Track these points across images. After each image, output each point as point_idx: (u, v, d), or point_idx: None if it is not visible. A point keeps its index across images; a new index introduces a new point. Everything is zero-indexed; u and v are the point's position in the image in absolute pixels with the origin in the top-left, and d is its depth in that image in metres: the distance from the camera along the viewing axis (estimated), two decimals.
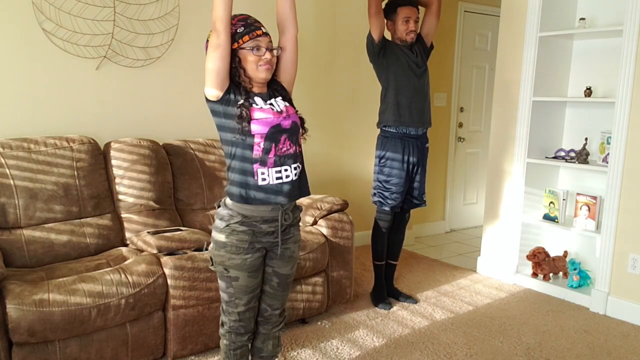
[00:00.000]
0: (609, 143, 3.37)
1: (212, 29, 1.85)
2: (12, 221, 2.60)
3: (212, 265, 2.00)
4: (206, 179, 3.20)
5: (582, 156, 3.47)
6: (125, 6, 3.17)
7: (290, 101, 2.04)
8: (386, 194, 3.25)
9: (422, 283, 3.80)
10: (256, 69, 1.91)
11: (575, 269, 3.58)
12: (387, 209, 3.27)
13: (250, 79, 1.93)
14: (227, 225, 1.92)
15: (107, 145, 3.00)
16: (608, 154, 3.34)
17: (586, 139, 3.53)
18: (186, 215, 3.11)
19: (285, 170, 1.91)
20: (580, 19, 3.53)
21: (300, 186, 1.98)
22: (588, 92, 3.49)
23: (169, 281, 2.46)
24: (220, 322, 2.11)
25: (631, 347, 2.89)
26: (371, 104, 4.45)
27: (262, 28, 1.94)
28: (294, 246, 2.06)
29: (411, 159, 3.24)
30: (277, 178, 1.90)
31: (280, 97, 2.00)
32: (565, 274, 3.70)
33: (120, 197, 2.93)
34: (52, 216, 2.69)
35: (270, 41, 1.95)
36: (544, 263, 3.70)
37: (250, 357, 2.20)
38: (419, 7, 3.26)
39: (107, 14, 3.12)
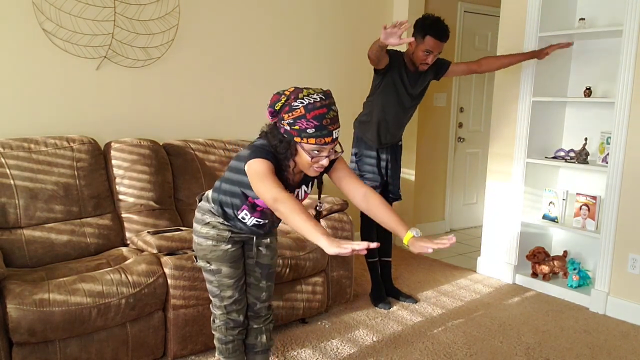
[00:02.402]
0: (608, 143, 3.38)
1: (278, 191, 1.68)
2: (13, 221, 2.60)
3: (196, 260, 2.11)
4: (206, 179, 3.20)
5: (581, 156, 3.47)
6: (125, 6, 3.17)
7: (311, 185, 1.99)
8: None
9: (422, 283, 3.80)
10: (307, 168, 1.82)
11: (575, 269, 3.58)
12: None
13: (296, 164, 1.83)
14: (207, 223, 2.03)
15: (108, 145, 3.00)
16: (608, 154, 3.34)
17: (586, 139, 3.53)
18: (186, 215, 3.11)
19: (265, 221, 2.01)
20: (580, 19, 3.53)
21: (274, 222, 2.07)
22: (588, 92, 3.49)
23: (169, 281, 2.47)
24: (211, 320, 2.19)
25: (631, 347, 2.89)
26: None
27: (333, 132, 1.74)
28: (272, 238, 2.16)
29: (383, 155, 3.31)
30: (255, 224, 2.00)
31: (306, 185, 1.95)
32: (565, 274, 3.70)
33: (121, 197, 2.93)
34: (53, 216, 2.69)
35: (334, 146, 1.78)
36: (543, 263, 3.71)
37: (245, 357, 2.25)
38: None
39: (108, 14, 3.12)
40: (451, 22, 5.01)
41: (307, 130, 1.71)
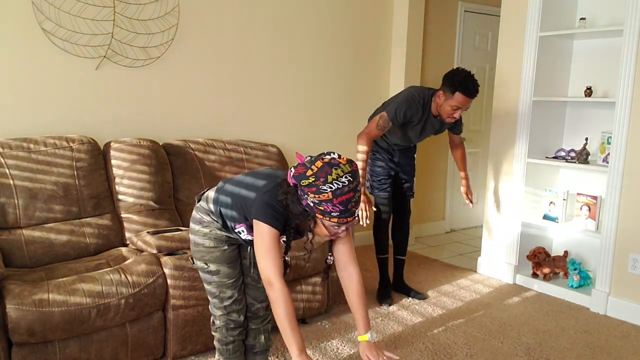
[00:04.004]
0: (609, 143, 3.37)
1: (276, 275, 1.77)
2: (12, 221, 2.59)
3: (193, 263, 2.11)
4: (206, 178, 3.20)
5: (582, 156, 3.47)
6: (125, 6, 3.16)
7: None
8: (374, 183, 3.37)
9: (422, 283, 3.80)
10: (322, 236, 1.86)
11: (575, 269, 3.58)
12: (381, 195, 3.35)
13: (313, 234, 1.89)
14: (205, 224, 2.04)
15: (107, 145, 3.00)
16: (608, 153, 3.34)
17: (586, 138, 3.52)
18: (186, 215, 3.11)
19: None
20: (581, 18, 3.52)
21: None
22: (588, 92, 3.49)
23: (168, 281, 2.46)
24: (211, 321, 2.19)
25: (631, 348, 2.88)
26: (371, 104, 4.45)
27: (356, 213, 1.78)
28: None
29: (395, 159, 3.38)
30: (250, 239, 1.97)
31: (311, 232, 1.95)
32: (566, 274, 3.69)
33: (120, 197, 2.93)
34: (52, 216, 2.69)
35: (353, 220, 1.82)
36: (544, 263, 3.70)
37: (244, 358, 2.26)
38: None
39: (107, 13, 3.12)
40: (451, 22, 5.03)
41: (332, 213, 1.72)
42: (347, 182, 1.68)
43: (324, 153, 1.76)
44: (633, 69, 3.12)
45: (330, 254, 2.00)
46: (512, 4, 3.76)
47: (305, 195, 1.73)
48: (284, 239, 1.86)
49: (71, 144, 2.83)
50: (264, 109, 3.89)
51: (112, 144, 2.99)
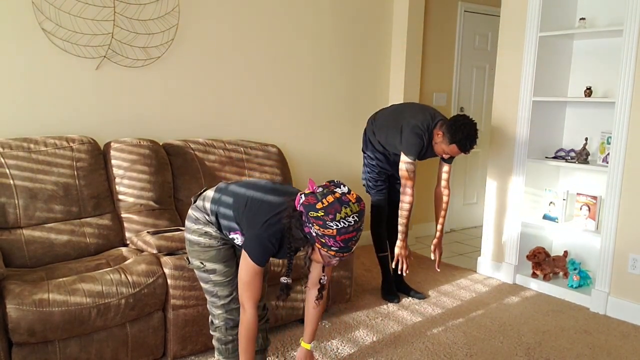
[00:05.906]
0: (609, 143, 3.37)
1: (251, 304, 1.93)
2: (12, 221, 2.60)
3: (189, 263, 2.13)
4: (206, 179, 3.20)
5: (582, 156, 3.47)
6: (125, 6, 3.17)
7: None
8: (370, 183, 3.46)
9: (422, 283, 3.80)
10: (317, 262, 1.93)
11: (575, 269, 3.58)
12: (378, 195, 3.47)
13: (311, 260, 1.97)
14: (202, 225, 2.05)
15: (107, 145, 3.00)
16: (608, 154, 3.34)
17: (586, 139, 3.53)
18: (186, 215, 3.11)
19: None
20: (581, 18, 3.53)
21: None
22: (588, 92, 3.49)
23: (169, 281, 2.46)
24: (209, 321, 2.20)
25: (631, 347, 2.89)
26: (370, 104, 4.45)
27: (353, 248, 1.83)
28: None
29: (391, 160, 3.41)
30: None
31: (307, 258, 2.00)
32: (566, 274, 3.70)
33: (120, 197, 2.93)
34: (52, 216, 2.69)
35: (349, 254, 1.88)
36: (544, 263, 3.70)
37: None
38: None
39: (107, 13, 3.12)
40: (451, 22, 5.03)
41: (332, 247, 1.78)
42: (353, 222, 1.74)
43: (333, 183, 1.81)
44: (633, 69, 3.12)
45: (323, 274, 2.10)
46: (512, 4, 3.76)
47: (310, 225, 1.77)
48: (282, 256, 1.94)
49: (71, 144, 2.83)
50: (264, 109, 3.89)
51: (112, 144, 2.99)
